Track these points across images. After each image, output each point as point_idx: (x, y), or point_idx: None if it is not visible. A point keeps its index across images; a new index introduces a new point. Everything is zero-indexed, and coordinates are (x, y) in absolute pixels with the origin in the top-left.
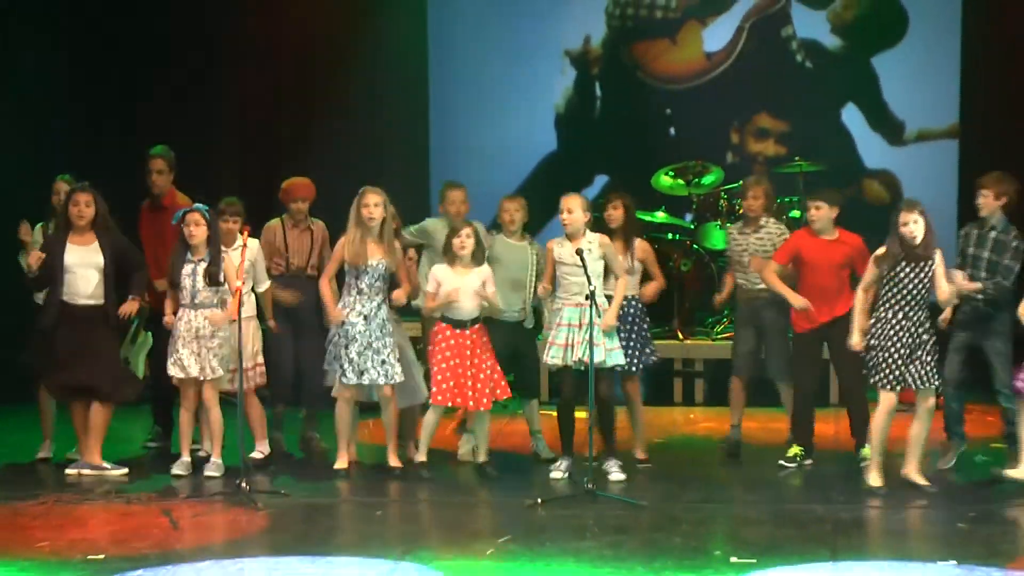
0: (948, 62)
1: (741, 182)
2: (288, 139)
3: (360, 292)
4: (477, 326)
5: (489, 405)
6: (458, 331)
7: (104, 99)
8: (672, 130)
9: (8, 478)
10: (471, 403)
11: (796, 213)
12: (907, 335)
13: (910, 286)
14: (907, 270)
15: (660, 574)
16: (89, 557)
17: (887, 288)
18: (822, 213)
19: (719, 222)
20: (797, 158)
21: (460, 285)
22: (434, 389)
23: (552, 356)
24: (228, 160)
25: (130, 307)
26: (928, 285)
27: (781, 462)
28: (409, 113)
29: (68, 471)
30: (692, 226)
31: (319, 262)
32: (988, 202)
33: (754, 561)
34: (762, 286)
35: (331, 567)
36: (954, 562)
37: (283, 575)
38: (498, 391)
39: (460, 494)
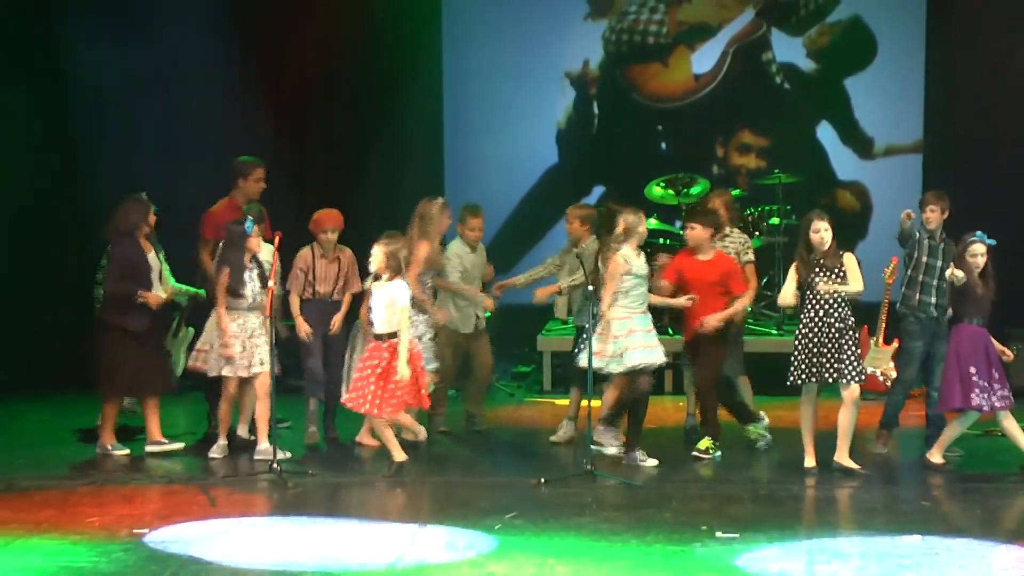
0: (913, 84)
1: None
2: (316, 151)
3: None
4: (393, 340)
5: (392, 414)
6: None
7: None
8: (663, 145)
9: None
10: (375, 410)
11: (775, 220)
12: (826, 334)
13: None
14: (822, 275)
15: (652, 547)
16: (135, 531)
17: (807, 292)
18: (695, 234)
19: None
20: (776, 170)
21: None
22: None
23: (634, 359)
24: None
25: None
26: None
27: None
28: (425, 130)
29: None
30: (681, 232)
31: (344, 288)
32: (936, 216)
33: (737, 535)
34: None
35: (358, 530)
36: (919, 536)
37: (316, 533)
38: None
39: (472, 475)
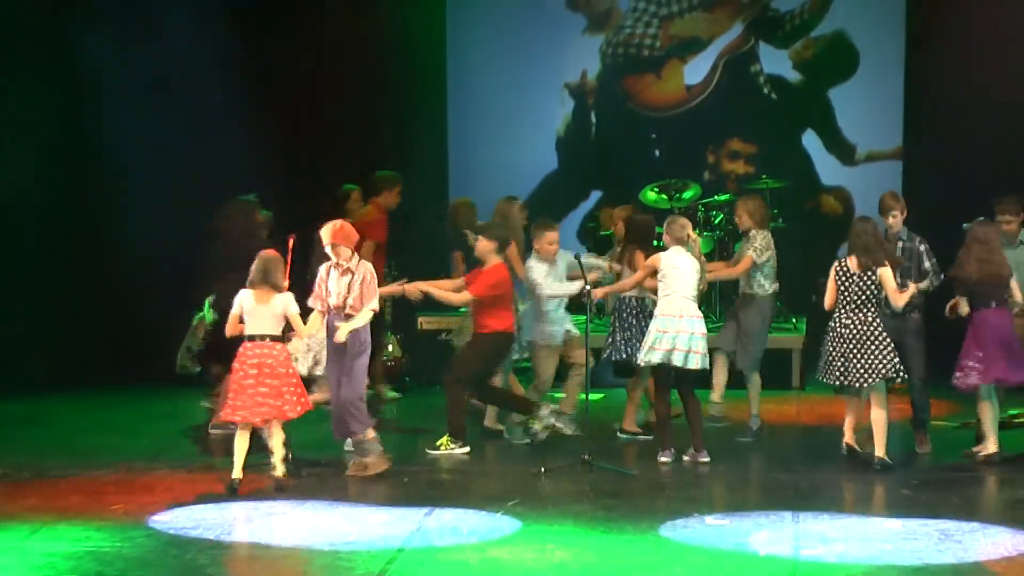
0: (893, 94)
1: (716, 196)
2: (328, 159)
3: None
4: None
5: (275, 417)
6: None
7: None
8: (657, 152)
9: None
10: (257, 419)
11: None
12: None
13: None
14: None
15: (646, 533)
16: (156, 516)
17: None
18: (478, 245)
19: (697, 231)
20: (764, 176)
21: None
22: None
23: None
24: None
25: None
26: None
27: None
28: (432, 140)
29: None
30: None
31: (359, 302)
32: (898, 220)
33: (727, 521)
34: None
35: (368, 515)
36: (899, 522)
37: (328, 518)
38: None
39: (477, 464)
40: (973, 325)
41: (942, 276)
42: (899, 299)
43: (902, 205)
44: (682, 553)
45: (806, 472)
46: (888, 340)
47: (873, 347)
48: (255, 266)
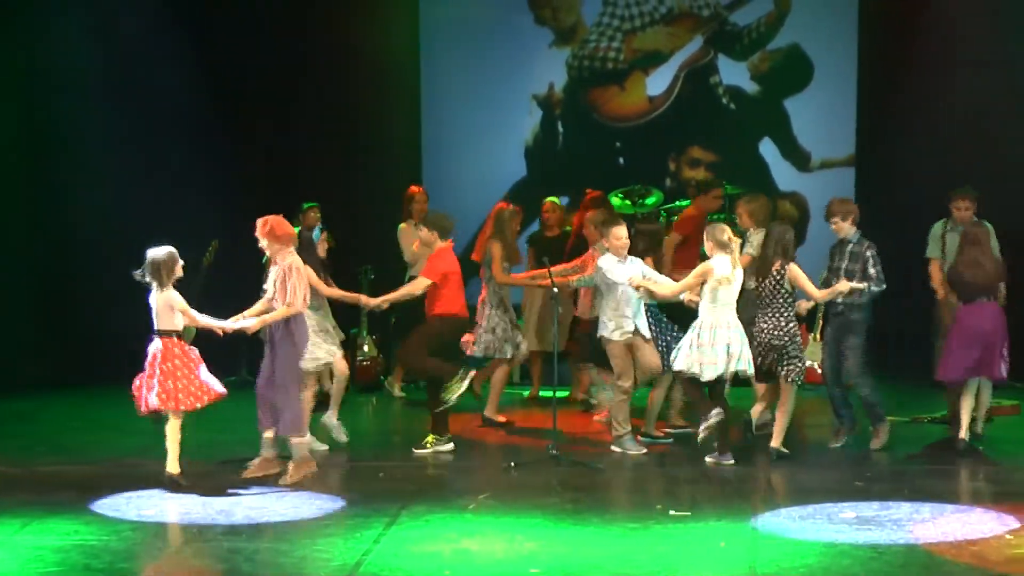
0: (846, 104)
1: (677, 202)
2: (305, 172)
3: None
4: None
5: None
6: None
7: None
8: (621, 160)
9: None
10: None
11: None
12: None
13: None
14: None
15: (611, 525)
16: (143, 511)
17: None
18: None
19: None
20: (724, 182)
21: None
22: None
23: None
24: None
25: None
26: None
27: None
28: (406, 150)
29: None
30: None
31: (282, 297)
32: (841, 225)
33: (688, 513)
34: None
35: (343, 508)
36: (853, 513)
37: (308, 510)
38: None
39: (449, 460)
40: (958, 321)
41: (884, 286)
42: (817, 294)
43: (845, 210)
44: (645, 545)
45: (763, 466)
46: (799, 342)
47: (792, 346)
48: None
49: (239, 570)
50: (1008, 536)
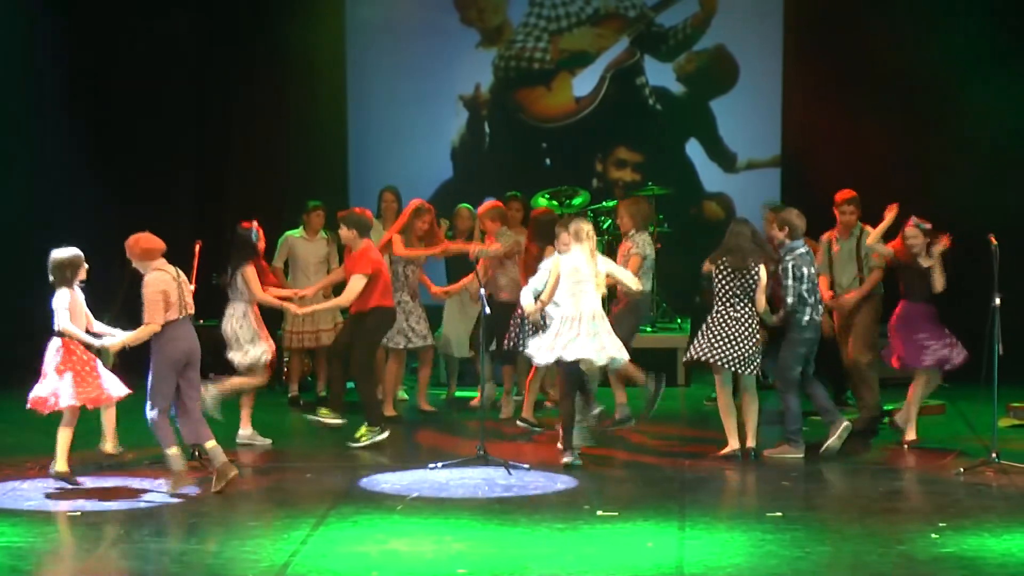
0: (771, 105)
1: (604, 202)
2: (230, 172)
3: None
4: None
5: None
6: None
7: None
8: (548, 161)
9: None
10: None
11: (650, 227)
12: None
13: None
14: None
15: (539, 524)
16: (71, 512)
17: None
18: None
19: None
20: (650, 183)
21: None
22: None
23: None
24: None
25: None
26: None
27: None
28: (332, 150)
29: None
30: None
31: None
32: (777, 233)
33: (616, 513)
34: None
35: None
36: (780, 513)
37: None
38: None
39: (376, 460)
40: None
41: (789, 301)
42: (761, 300)
43: (772, 217)
44: (573, 545)
45: (691, 466)
46: (757, 338)
47: (746, 340)
48: None
49: (167, 571)
50: (934, 536)
